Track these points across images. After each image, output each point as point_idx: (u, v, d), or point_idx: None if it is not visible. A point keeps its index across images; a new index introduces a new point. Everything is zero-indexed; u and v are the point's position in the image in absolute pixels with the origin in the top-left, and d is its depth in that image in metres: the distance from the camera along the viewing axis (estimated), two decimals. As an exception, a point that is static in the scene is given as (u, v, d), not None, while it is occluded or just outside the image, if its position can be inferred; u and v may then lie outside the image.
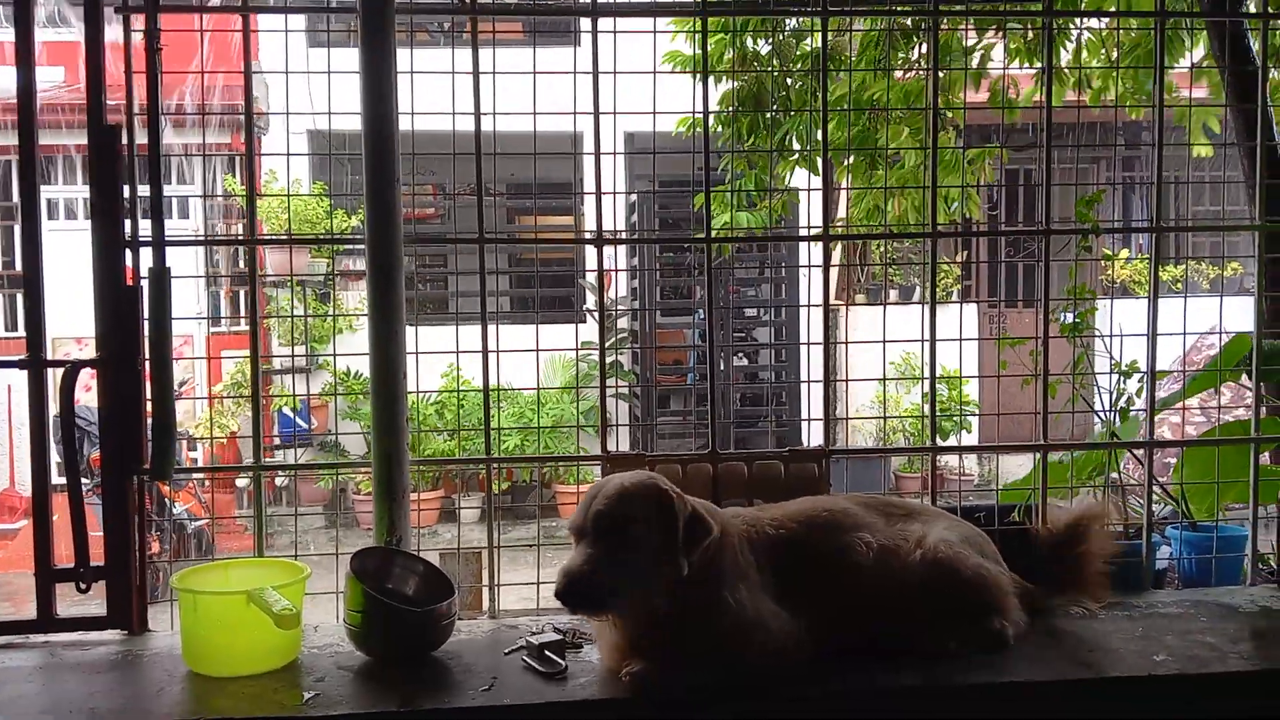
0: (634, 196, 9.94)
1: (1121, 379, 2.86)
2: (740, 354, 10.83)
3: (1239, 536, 2.80)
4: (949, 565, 2.20)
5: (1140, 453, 2.85)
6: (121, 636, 2.45)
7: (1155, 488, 2.80)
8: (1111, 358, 2.84)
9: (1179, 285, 9.80)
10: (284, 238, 3.04)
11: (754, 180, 4.88)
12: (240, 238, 2.56)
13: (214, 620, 2.16)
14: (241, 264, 9.21)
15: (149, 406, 2.46)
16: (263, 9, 2.62)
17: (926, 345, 2.69)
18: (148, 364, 2.44)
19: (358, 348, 3.04)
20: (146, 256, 2.47)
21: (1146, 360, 2.69)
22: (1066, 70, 4.21)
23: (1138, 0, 3.77)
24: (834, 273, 10.48)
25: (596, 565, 1.95)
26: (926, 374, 2.69)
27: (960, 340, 2.83)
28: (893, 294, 10.96)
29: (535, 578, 2.75)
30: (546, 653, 2.20)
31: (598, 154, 2.58)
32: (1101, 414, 2.92)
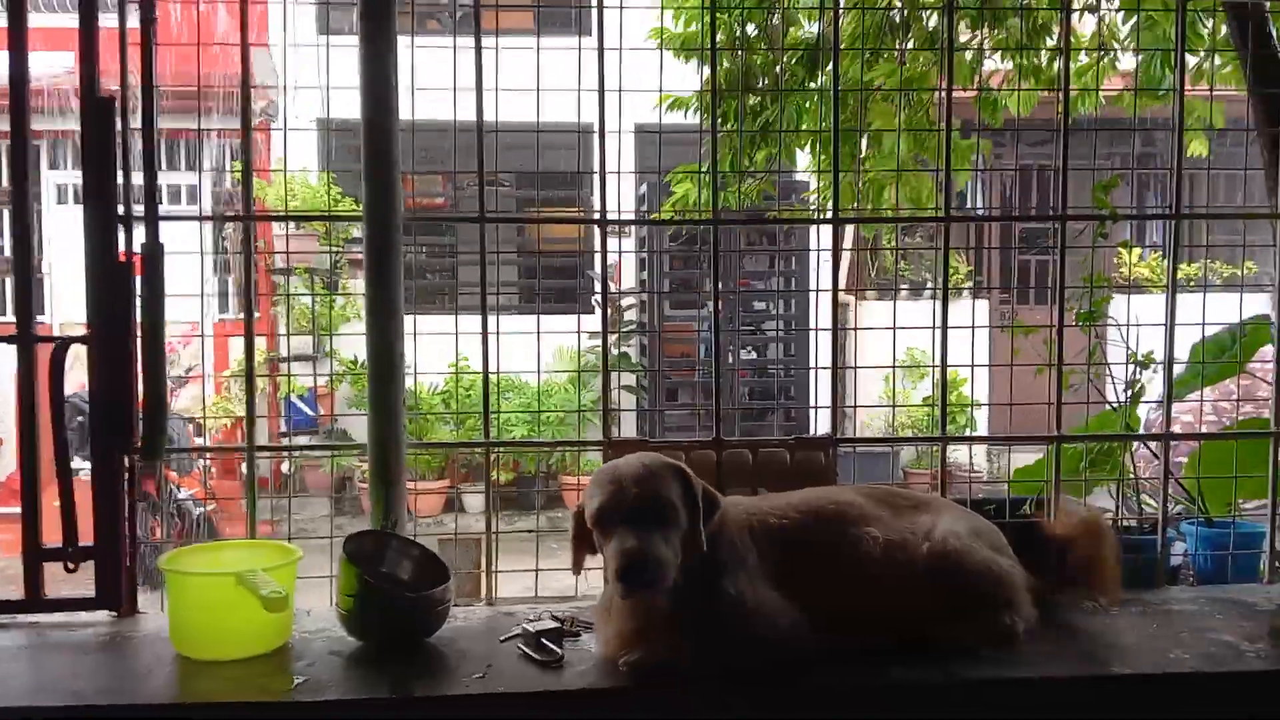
0: (644, 187, 9.87)
1: (1137, 370, 2.78)
2: (749, 347, 10.74)
3: (1257, 533, 2.72)
4: (957, 558, 2.14)
5: (1154, 446, 2.79)
6: (110, 618, 2.41)
7: (1170, 482, 2.73)
8: (1128, 348, 2.77)
9: (1192, 284, 9.70)
10: (281, 214, 2.99)
11: (729, 163, 4.77)
12: (238, 213, 2.50)
13: (202, 602, 2.12)
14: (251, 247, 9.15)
15: (141, 385, 2.41)
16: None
17: (938, 334, 2.63)
18: (139, 341, 2.40)
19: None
20: (142, 235, 2.43)
21: (1164, 351, 2.62)
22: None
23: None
24: (844, 265, 10.39)
25: (651, 544, 1.90)
26: (938, 364, 2.62)
27: (973, 328, 2.76)
28: (903, 290, 10.86)
29: (535, 565, 2.70)
30: (543, 640, 2.15)
31: (602, 134, 2.52)
32: (1115, 406, 2.85)
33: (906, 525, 2.21)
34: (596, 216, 2.61)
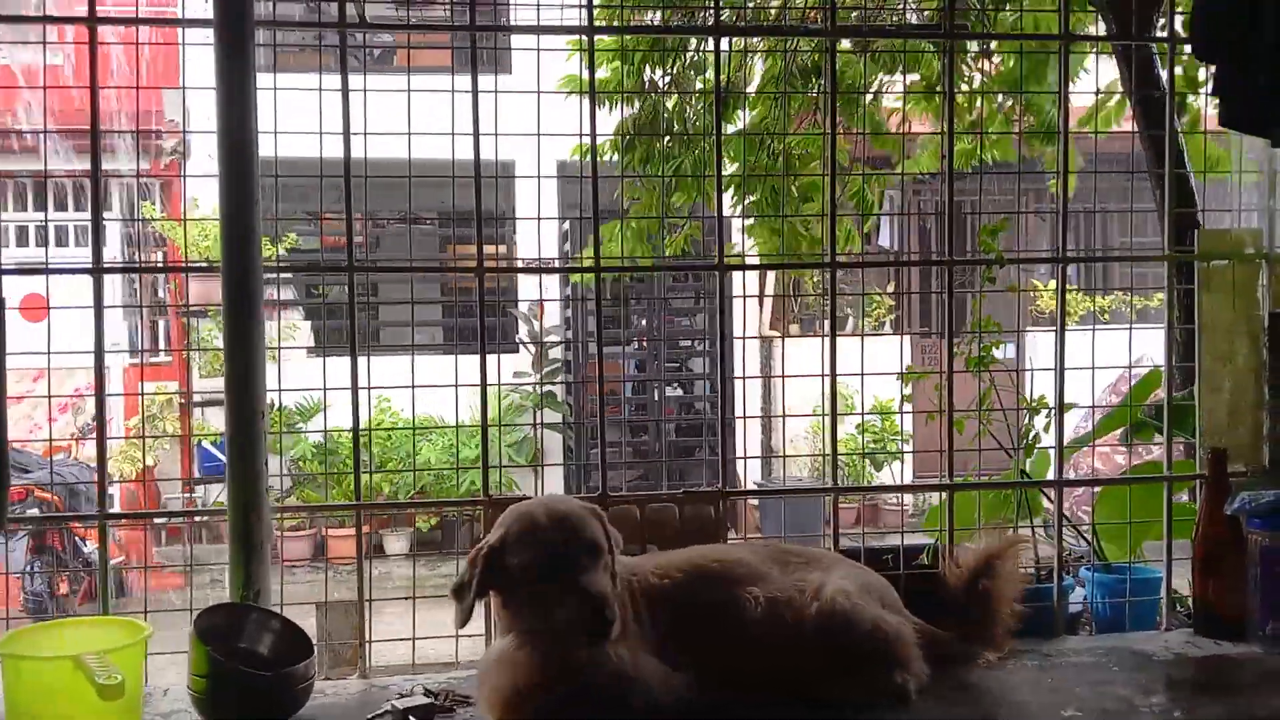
0: (567, 225, 9.76)
1: (1031, 415, 2.75)
2: (675, 384, 10.69)
3: (1154, 579, 2.69)
4: (845, 617, 2.07)
5: (1051, 491, 2.75)
6: (-54, 705, 2.23)
7: (1067, 528, 2.69)
8: (1019, 393, 2.74)
9: (1106, 316, 9.85)
10: (133, 266, 2.86)
11: (650, 211, 4.74)
12: (87, 266, 2.36)
13: (38, 689, 1.95)
14: (160, 293, 8.91)
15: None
16: (108, 20, 2.44)
17: (835, 379, 2.58)
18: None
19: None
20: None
21: (1054, 395, 2.59)
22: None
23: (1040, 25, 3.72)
24: (769, 303, 10.41)
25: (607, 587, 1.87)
26: (828, 409, 2.56)
27: (868, 374, 2.71)
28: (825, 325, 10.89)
29: (411, 631, 2.57)
30: (411, 718, 2.02)
31: (478, 179, 2.44)
32: (1010, 451, 2.81)
33: (794, 583, 2.14)
34: (475, 265, 2.52)
